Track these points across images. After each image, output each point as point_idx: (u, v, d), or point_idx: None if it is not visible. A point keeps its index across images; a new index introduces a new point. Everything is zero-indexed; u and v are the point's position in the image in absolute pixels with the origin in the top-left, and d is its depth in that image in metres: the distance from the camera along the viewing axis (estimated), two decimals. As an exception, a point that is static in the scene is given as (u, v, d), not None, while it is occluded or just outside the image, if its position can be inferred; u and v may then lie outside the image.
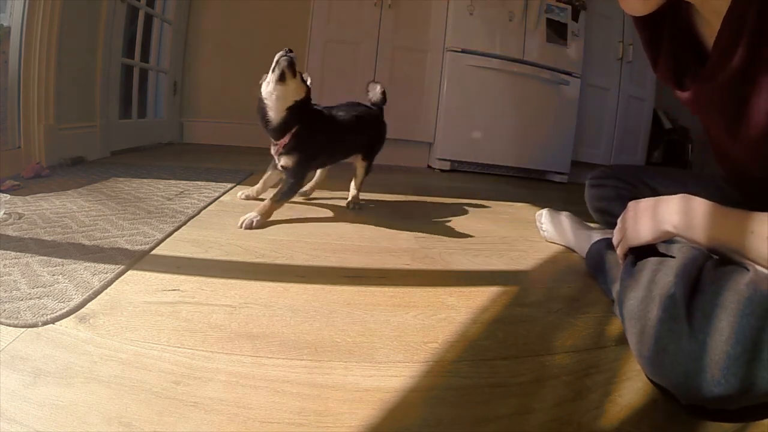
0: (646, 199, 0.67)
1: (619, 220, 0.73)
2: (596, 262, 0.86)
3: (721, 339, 0.47)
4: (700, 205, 0.58)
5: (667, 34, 0.64)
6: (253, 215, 1.06)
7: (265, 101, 1.12)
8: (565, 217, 1.12)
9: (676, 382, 0.49)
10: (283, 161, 1.14)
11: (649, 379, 0.55)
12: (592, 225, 1.07)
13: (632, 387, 0.54)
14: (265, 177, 1.32)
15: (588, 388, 0.54)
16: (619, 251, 0.72)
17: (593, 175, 1.03)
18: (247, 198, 1.32)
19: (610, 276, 0.77)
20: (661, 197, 0.63)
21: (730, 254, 0.55)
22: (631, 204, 0.70)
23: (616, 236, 0.73)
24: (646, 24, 0.65)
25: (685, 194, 0.60)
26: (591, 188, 1.01)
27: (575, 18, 2.49)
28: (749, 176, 0.65)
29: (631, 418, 0.49)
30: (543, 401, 0.51)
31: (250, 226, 1.04)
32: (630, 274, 0.64)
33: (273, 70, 1.10)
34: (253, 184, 1.35)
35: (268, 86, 1.11)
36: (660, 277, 0.58)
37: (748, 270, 0.52)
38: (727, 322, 0.48)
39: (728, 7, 0.51)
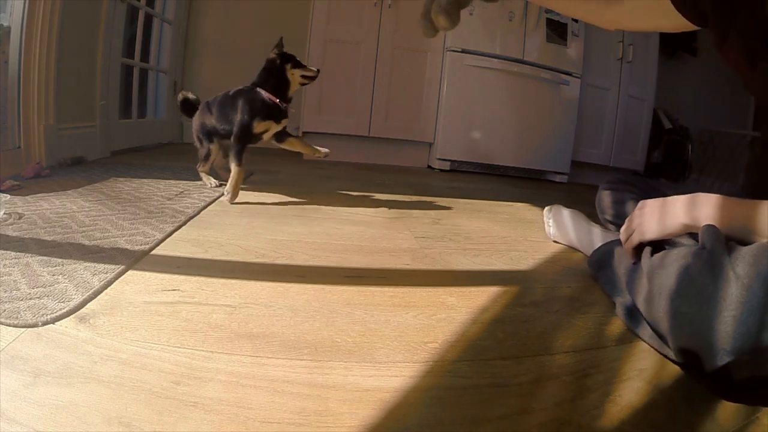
0: (654, 199, 0.69)
1: (628, 218, 0.74)
2: (602, 259, 0.86)
3: (756, 286, 0.47)
4: (710, 198, 0.60)
5: (741, 10, 0.64)
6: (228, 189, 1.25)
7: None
8: (570, 214, 1.12)
9: (716, 332, 0.48)
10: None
11: (667, 355, 0.54)
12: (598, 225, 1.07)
13: (632, 387, 0.54)
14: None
15: (588, 388, 0.54)
16: (627, 245, 0.73)
17: (608, 180, 1.05)
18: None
19: (616, 272, 0.77)
20: (669, 197, 0.66)
21: (741, 238, 0.56)
22: (640, 203, 0.73)
23: (625, 232, 0.74)
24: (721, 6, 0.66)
25: (693, 194, 0.63)
26: (604, 191, 1.02)
27: (575, 18, 2.49)
28: None
29: (631, 418, 0.49)
30: (543, 401, 0.51)
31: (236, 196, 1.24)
32: (649, 258, 0.65)
33: None
34: (253, 184, 1.35)
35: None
36: (681, 247, 0.60)
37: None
38: (761, 272, 0.48)
39: None
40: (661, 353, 0.61)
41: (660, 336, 0.60)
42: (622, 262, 0.76)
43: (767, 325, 0.45)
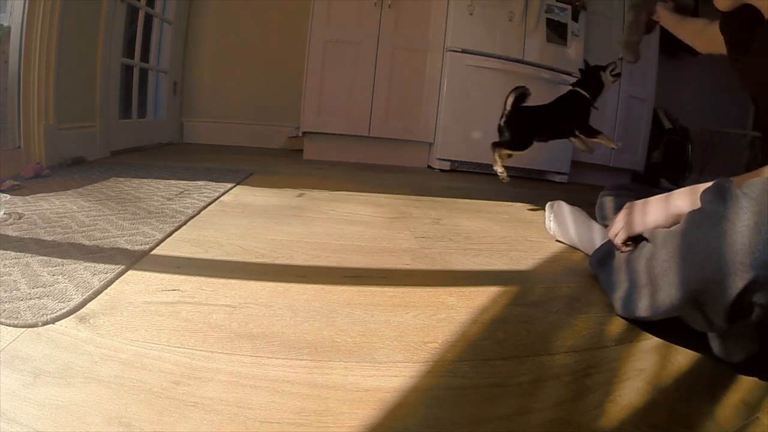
0: (655, 196, 0.72)
1: (619, 214, 0.76)
2: (603, 258, 0.86)
3: (762, 203, 0.47)
4: (707, 185, 0.61)
5: (752, 37, 0.72)
6: None
7: None
8: (571, 211, 1.12)
9: (731, 252, 0.47)
10: None
11: (684, 298, 0.54)
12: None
13: (632, 387, 0.54)
14: None
15: (588, 388, 0.54)
16: (619, 238, 0.75)
17: (608, 186, 1.07)
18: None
19: (615, 267, 0.77)
20: (670, 192, 0.69)
21: None
22: (638, 202, 0.75)
23: (615, 226, 0.76)
24: (734, 24, 0.76)
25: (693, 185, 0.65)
26: (606, 197, 1.03)
27: (575, 18, 2.48)
28: None
29: (631, 418, 0.49)
30: (543, 401, 0.51)
31: None
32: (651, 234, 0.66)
33: None
34: (253, 185, 1.36)
35: None
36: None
37: None
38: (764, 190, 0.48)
39: None
40: (658, 336, 0.61)
41: (663, 298, 0.59)
42: (622, 257, 0.76)
43: None
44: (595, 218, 1.07)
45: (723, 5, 0.74)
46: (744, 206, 0.48)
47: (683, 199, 0.65)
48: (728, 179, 0.55)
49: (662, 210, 0.68)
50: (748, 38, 0.73)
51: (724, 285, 0.48)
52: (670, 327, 0.65)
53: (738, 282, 0.47)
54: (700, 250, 0.51)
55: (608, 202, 1.02)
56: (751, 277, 0.46)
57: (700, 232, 0.52)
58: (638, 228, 0.70)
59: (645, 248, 0.66)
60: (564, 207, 1.15)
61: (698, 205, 0.60)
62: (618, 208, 0.98)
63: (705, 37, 0.98)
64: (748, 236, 0.46)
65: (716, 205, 0.52)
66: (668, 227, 0.66)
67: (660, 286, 0.59)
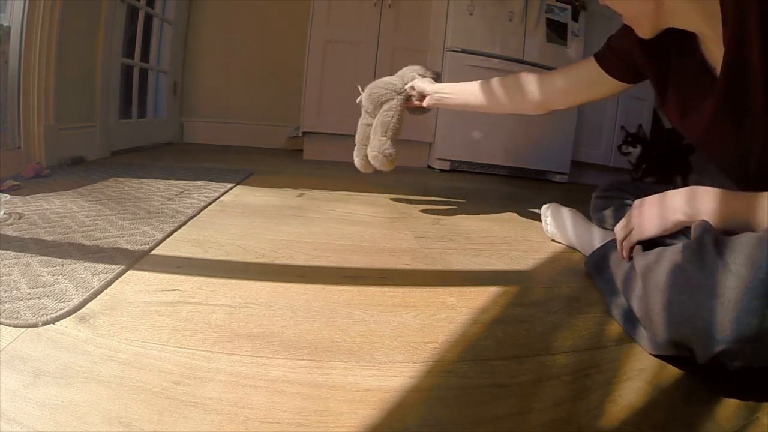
0: (653, 195, 0.70)
1: (624, 218, 0.75)
2: (599, 262, 0.86)
3: (744, 272, 0.47)
4: (707, 192, 0.61)
5: (674, 66, 0.71)
6: None
7: None
8: (569, 213, 1.12)
9: (704, 322, 0.48)
10: None
11: (656, 355, 0.55)
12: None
13: (632, 387, 0.54)
14: None
15: (588, 388, 0.54)
16: (624, 245, 0.74)
17: (600, 188, 1.06)
18: None
19: (613, 275, 0.77)
20: (668, 192, 0.67)
21: (741, 231, 0.57)
22: (637, 202, 0.74)
23: (620, 232, 0.75)
24: (655, 53, 0.73)
25: (691, 186, 0.64)
26: (597, 200, 1.03)
27: (575, 18, 2.48)
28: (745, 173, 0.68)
29: (631, 418, 0.49)
30: (543, 401, 0.51)
31: None
32: (643, 257, 0.66)
33: None
34: (253, 185, 1.36)
35: None
36: (672, 246, 0.60)
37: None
38: (749, 257, 0.48)
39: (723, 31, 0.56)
40: (655, 356, 0.61)
41: (654, 336, 0.60)
42: (619, 265, 0.76)
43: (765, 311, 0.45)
44: (590, 218, 1.08)
45: (645, 30, 0.68)
46: (719, 279, 0.48)
47: (681, 208, 0.64)
48: (708, 233, 0.54)
49: (660, 219, 0.66)
50: (693, 93, 0.69)
51: (703, 345, 0.49)
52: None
53: (709, 350, 0.48)
54: (678, 314, 0.52)
55: (603, 203, 1.02)
56: (720, 349, 0.47)
57: (677, 296, 0.52)
58: (644, 235, 0.69)
59: (637, 285, 0.64)
60: (560, 209, 1.15)
61: (696, 215, 0.60)
62: (615, 210, 0.98)
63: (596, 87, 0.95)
64: (718, 312, 0.47)
65: (694, 270, 0.52)
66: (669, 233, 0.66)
67: (654, 331, 0.58)
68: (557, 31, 2.46)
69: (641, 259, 0.65)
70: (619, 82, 0.90)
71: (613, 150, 2.73)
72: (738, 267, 0.48)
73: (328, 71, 2.35)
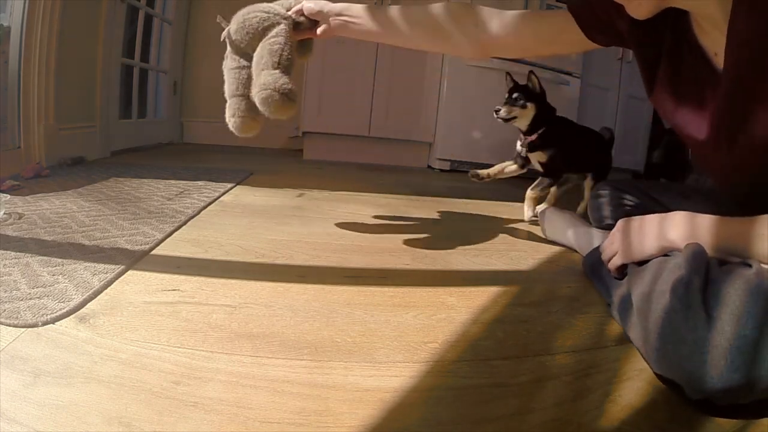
0: (641, 216, 0.69)
1: (609, 236, 0.74)
2: (594, 264, 0.86)
3: (728, 329, 0.46)
4: (703, 219, 0.59)
5: (667, 48, 0.64)
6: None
7: None
8: (566, 216, 1.12)
9: (689, 373, 0.48)
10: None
11: (656, 374, 0.54)
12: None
13: (632, 387, 0.54)
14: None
15: (588, 388, 0.54)
16: (611, 265, 0.73)
17: (598, 188, 1.06)
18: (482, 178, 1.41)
19: (607, 282, 0.77)
20: (663, 214, 0.65)
21: (735, 257, 0.56)
22: (620, 223, 0.72)
23: (605, 253, 0.75)
24: (648, 30, 0.65)
25: (687, 212, 0.62)
26: (596, 199, 1.03)
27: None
28: (739, 185, 0.66)
29: (631, 418, 0.49)
30: (543, 401, 0.51)
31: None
32: (634, 273, 0.65)
33: None
34: (253, 185, 1.35)
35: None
36: (667, 271, 0.57)
37: (750, 266, 0.52)
38: (734, 312, 0.47)
39: (729, 19, 0.52)
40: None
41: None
42: (608, 273, 0.76)
43: (756, 366, 0.44)
44: (588, 220, 1.08)
45: (642, 12, 0.58)
46: (704, 336, 0.47)
47: (678, 235, 0.61)
48: (699, 274, 0.52)
49: (657, 244, 0.64)
50: (692, 88, 0.62)
51: (690, 389, 0.49)
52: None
53: (700, 393, 0.48)
54: (670, 358, 0.51)
55: (602, 203, 1.01)
56: (710, 393, 0.47)
57: (668, 345, 0.51)
58: (638, 257, 0.67)
59: (632, 314, 0.62)
60: (556, 212, 1.15)
61: (694, 239, 0.58)
62: (614, 209, 0.98)
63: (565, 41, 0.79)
64: (709, 366, 0.46)
65: (680, 322, 0.50)
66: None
67: (646, 356, 0.58)
68: (557, 31, 2.45)
69: (637, 285, 0.62)
70: (591, 42, 0.77)
71: (613, 150, 2.73)
72: (723, 324, 0.47)
73: (328, 71, 2.35)
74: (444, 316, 0.69)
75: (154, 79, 2.50)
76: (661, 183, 1.03)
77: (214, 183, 1.47)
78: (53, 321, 0.57)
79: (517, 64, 2.40)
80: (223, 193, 1.36)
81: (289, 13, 0.95)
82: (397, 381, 0.52)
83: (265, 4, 0.96)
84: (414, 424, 0.45)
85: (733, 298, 0.48)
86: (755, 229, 0.54)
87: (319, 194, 1.49)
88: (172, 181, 1.46)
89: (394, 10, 0.89)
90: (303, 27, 0.96)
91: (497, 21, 0.82)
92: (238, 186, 1.50)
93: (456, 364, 0.56)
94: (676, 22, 0.62)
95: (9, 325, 0.55)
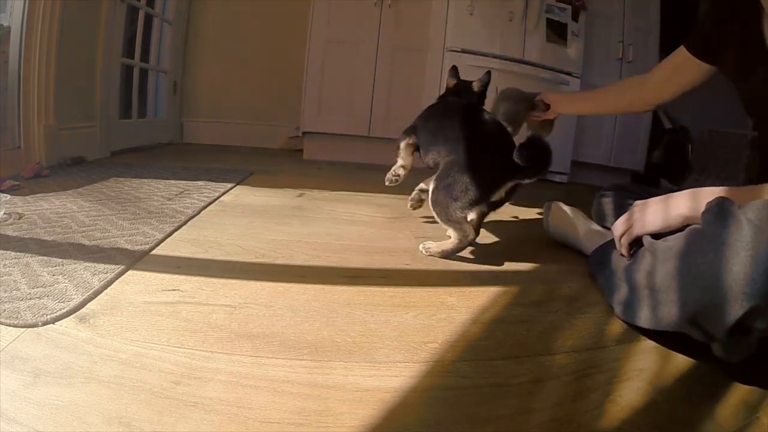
0: (654, 197, 0.72)
1: (627, 212, 0.76)
2: (601, 258, 0.86)
3: (744, 254, 0.47)
4: (709, 191, 0.63)
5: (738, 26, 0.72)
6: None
7: None
8: (571, 211, 1.12)
9: (729, 287, 0.47)
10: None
11: (683, 321, 0.54)
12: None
13: (632, 387, 0.54)
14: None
15: (588, 388, 0.54)
16: (623, 240, 0.75)
17: (604, 188, 1.08)
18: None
19: (615, 271, 0.77)
20: (670, 194, 0.69)
21: None
22: (639, 201, 0.75)
23: (620, 227, 0.75)
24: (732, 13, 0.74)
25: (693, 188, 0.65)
26: (601, 200, 1.04)
27: (575, 18, 2.48)
28: None
29: (631, 418, 0.49)
30: (543, 401, 0.51)
31: None
32: (650, 241, 0.66)
33: None
34: (253, 185, 1.35)
35: None
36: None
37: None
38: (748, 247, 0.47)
39: None
40: (655, 336, 0.61)
41: (662, 315, 0.59)
42: (621, 261, 0.76)
43: None
44: (592, 218, 1.07)
45: None
46: (745, 233, 0.47)
47: (684, 204, 0.65)
48: (728, 200, 0.54)
49: (663, 214, 0.68)
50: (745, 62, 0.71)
51: (723, 310, 0.48)
52: (669, 333, 0.65)
53: (737, 309, 0.47)
54: (700, 275, 0.50)
55: (607, 203, 1.02)
56: (749, 306, 0.46)
57: (699, 257, 0.51)
58: (645, 229, 0.70)
59: (645, 260, 0.65)
60: (562, 207, 1.15)
61: (699, 211, 0.59)
62: (618, 209, 0.98)
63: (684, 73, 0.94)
64: (748, 264, 0.46)
65: (717, 229, 0.51)
66: (670, 230, 0.66)
67: (660, 301, 0.58)
68: (557, 31, 2.46)
69: (649, 240, 0.66)
70: (709, 66, 0.88)
71: (614, 150, 2.73)
72: (757, 221, 0.47)
73: (328, 71, 2.35)
74: (444, 316, 0.69)
75: (154, 79, 2.50)
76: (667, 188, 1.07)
77: (214, 183, 1.47)
78: (53, 321, 0.57)
79: (517, 65, 2.40)
80: (223, 193, 1.36)
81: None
82: (397, 381, 0.52)
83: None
84: (414, 424, 0.45)
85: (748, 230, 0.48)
86: (763, 194, 0.56)
87: (319, 194, 1.49)
88: (172, 181, 1.45)
89: (599, 95, 1.28)
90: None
91: (654, 87, 1.03)
92: (238, 186, 1.50)
93: (456, 364, 0.56)
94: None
95: (9, 325, 0.55)
